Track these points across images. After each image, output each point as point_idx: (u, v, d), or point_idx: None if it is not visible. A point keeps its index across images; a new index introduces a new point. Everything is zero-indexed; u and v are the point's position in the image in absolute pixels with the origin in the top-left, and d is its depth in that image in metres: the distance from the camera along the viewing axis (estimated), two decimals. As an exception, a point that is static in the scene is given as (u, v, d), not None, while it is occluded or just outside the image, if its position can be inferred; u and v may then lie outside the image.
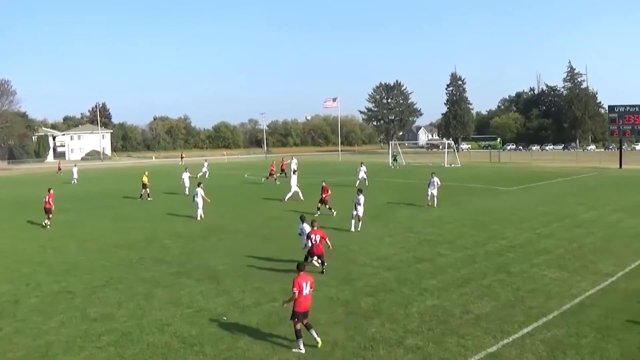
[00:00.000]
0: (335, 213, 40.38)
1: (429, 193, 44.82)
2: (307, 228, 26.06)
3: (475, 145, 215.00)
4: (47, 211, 39.50)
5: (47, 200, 39.73)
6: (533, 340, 16.15)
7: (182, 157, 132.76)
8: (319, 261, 24.80)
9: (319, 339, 16.39)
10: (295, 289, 16.30)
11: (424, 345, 16.05)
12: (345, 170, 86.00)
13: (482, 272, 23.94)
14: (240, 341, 16.64)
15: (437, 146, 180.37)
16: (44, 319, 19.10)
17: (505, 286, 21.80)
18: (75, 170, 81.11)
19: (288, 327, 17.48)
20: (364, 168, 65.95)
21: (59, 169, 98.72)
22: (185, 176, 58.94)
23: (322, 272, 23.90)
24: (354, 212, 35.16)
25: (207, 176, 79.32)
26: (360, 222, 35.20)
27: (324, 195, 41.59)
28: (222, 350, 16.02)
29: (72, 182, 77.65)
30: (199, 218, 40.40)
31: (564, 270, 24.06)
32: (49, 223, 39.14)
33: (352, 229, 34.72)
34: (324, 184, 42.89)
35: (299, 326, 16.37)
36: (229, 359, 15.61)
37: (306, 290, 16.49)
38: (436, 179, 45.15)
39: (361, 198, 35.29)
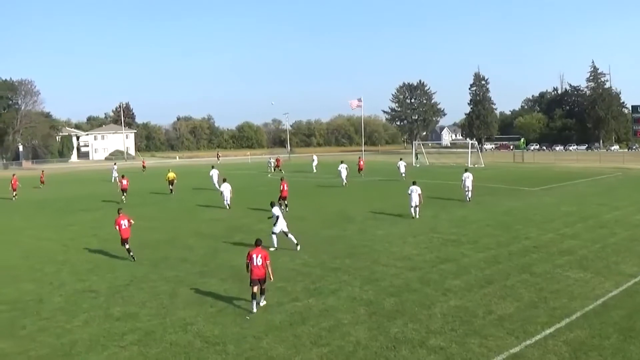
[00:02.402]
0: (287, 210, 42.66)
1: (466, 188, 47.93)
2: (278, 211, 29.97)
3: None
4: (124, 190, 54.92)
5: (124, 183, 55.40)
6: (556, 341, 16.09)
7: (218, 157, 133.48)
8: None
9: (254, 309, 19.43)
10: (247, 260, 19.95)
11: (446, 345, 16.03)
12: (368, 170, 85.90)
13: (505, 273, 23.84)
14: (263, 340, 16.73)
15: (507, 146, 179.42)
16: (68, 318, 19.30)
17: (529, 287, 21.71)
18: (115, 168, 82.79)
19: (311, 326, 17.68)
20: (404, 162, 72.94)
21: (144, 167, 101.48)
22: (214, 173, 62.08)
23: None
24: (412, 203, 39.15)
25: (273, 171, 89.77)
26: (418, 209, 39.20)
27: (282, 193, 43.83)
28: (244, 350, 16.09)
29: (112, 180, 78.70)
30: (227, 208, 46.23)
31: (587, 270, 23.91)
32: (124, 199, 53.34)
33: (415, 215, 38.97)
34: (282, 180, 45.21)
35: (255, 289, 19.60)
36: (251, 359, 15.66)
37: (257, 261, 19.69)
38: (470, 176, 48.20)
39: (415, 188, 39.31)
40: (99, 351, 16.28)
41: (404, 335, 16.93)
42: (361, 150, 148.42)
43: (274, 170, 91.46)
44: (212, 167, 65.69)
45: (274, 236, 29.58)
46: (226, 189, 47.16)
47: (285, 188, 43.50)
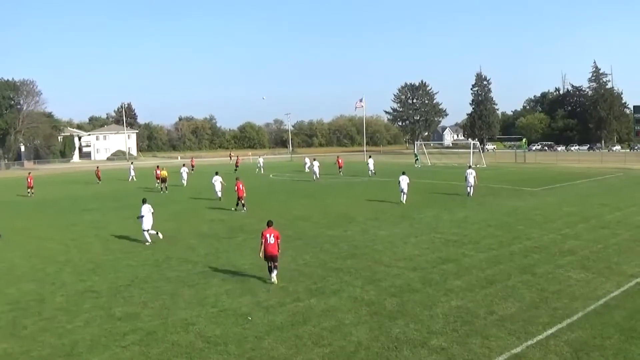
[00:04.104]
0: (245, 209, 44.48)
1: (469, 184, 51.00)
2: (145, 210, 32.48)
3: (501, 145, 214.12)
4: (158, 179, 64.39)
5: (158, 173, 64.74)
6: (557, 342, 16.09)
7: (230, 157, 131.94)
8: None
9: (274, 280, 22.90)
10: (262, 239, 22.99)
11: (448, 346, 16.03)
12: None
13: (506, 273, 23.83)
14: (265, 341, 16.71)
15: (552, 146, 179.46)
16: (69, 318, 19.30)
17: (530, 287, 21.70)
18: (132, 167, 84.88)
19: (312, 327, 17.69)
20: (372, 160, 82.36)
21: (192, 166, 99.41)
22: (184, 170, 72.04)
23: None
24: (401, 189, 46.32)
25: (262, 172, 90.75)
26: (405, 196, 46.37)
27: (238, 193, 44.83)
28: (246, 350, 16.08)
29: (130, 179, 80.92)
30: (219, 199, 51.04)
31: (589, 271, 23.90)
32: (158, 186, 63.36)
33: (403, 201, 46.12)
34: (237, 180, 46.26)
35: (269, 264, 22.99)
36: (253, 359, 15.65)
37: (270, 240, 22.78)
38: (472, 172, 51.87)
39: (404, 178, 46.49)
40: (100, 351, 16.27)
41: (406, 335, 16.92)
42: (363, 151, 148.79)
43: (235, 170, 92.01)
44: (183, 165, 76.04)
45: (145, 233, 32.27)
46: (217, 181, 52.29)
47: (241, 188, 44.80)
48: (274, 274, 22.98)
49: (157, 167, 69.28)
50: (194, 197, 55.43)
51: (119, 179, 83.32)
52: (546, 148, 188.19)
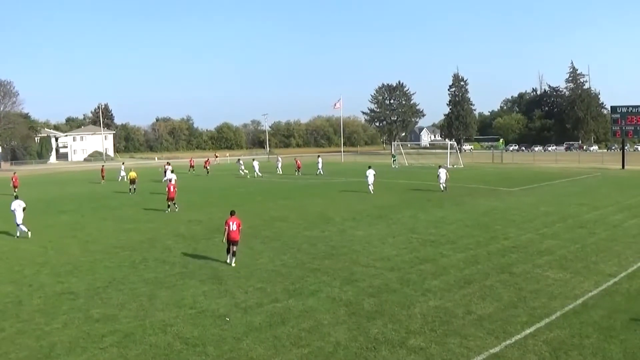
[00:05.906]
0: (178, 209, 45.43)
1: (441, 180, 55.77)
2: (15, 205, 35.33)
3: (478, 146, 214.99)
4: (133, 182, 61.84)
5: (168, 167, 70.94)
6: (536, 341, 16.12)
7: (216, 157, 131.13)
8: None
9: (232, 264, 26.13)
10: (225, 227, 26.22)
11: (426, 346, 16.02)
12: (348, 171, 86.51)
13: (484, 273, 23.90)
14: (243, 342, 16.63)
15: (581, 146, 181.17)
16: (47, 320, 19.07)
17: (508, 287, 21.77)
18: (123, 167, 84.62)
19: (291, 327, 17.64)
20: (321, 160, 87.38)
21: (192, 166, 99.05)
22: (169, 169, 72.79)
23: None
24: (368, 182, 54.85)
25: (246, 174, 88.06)
26: (372, 187, 54.69)
27: (169, 194, 45.72)
28: (224, 351, 15.99)
29: (119, 179, 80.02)
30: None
31: (567, 270, 24.02)
32: (133, 190, 61.27)
33: (371, 192, 54.31)
34: (169, 182, 49.10)
35: (229, 248, 26.37)
36: (231, 360, 15.57)
37: (233, 227, 25.98)
38: (444, 170, 57.11)
39: (371, 171, 55.22)
40: (78, 353, 16.12)
41: (384, 335, 16.90)
42: (340, 151, 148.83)
43: (189, 170, 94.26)
44: (167, 164, 79.87)
45: (19, 226, 35.08)
46: (172, 178, 55.33)
47: (172, 190, 45.50)
48: (234, 258, 26.34)
49: (168, 163, 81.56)
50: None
51: (82, 180, 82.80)
52: (523, 149, 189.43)
